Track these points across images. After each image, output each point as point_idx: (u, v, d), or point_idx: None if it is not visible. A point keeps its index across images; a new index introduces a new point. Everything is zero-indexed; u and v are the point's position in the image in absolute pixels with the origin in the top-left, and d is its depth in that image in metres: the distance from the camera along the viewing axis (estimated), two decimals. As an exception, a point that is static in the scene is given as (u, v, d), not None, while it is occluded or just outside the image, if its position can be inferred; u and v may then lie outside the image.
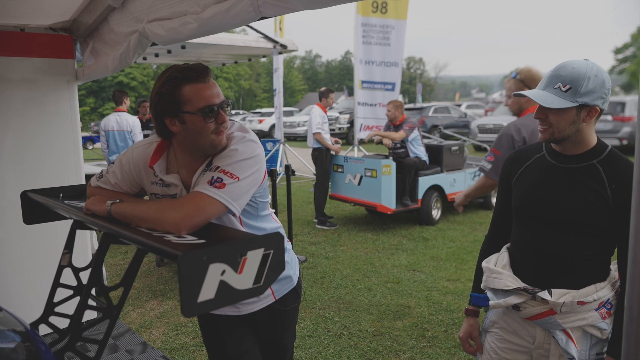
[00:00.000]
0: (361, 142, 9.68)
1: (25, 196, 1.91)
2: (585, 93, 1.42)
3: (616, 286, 1.54)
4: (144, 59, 6.96)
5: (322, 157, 6.50)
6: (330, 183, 6.76)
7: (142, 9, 2.60)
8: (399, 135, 6.09)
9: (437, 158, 6.70)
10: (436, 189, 6.56)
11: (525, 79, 2.78)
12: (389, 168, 5.99)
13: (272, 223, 1.76)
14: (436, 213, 6.61)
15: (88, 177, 3.71)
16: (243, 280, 1.15)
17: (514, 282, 1.59)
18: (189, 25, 2.23)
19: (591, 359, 1.53)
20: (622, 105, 13.21)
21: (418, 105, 20.18)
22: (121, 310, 1.48)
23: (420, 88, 33.50)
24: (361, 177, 6.26)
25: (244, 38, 6.03)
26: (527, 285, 1.56)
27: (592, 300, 1.48)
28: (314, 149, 6.52)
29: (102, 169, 1.70)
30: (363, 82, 9.09)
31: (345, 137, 17.53)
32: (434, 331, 3.44)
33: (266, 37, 6.15)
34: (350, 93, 34.53)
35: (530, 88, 2.74)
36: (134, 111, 7.89)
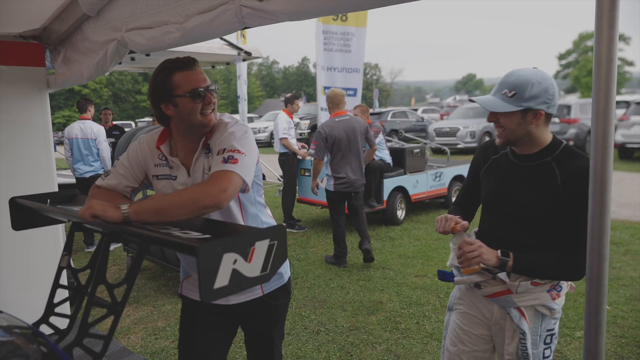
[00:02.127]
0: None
1: (13, 202, 1.93)
2: (529, 98, 1.60)
3: None
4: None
5: (289, 162, 6.61)
6: (297, 187, 6.88)
7: (119, 18, 2.64)
8: (364, 139, 6.29)
9: (400, 160, 6.95)
10: (400, 190, 6.80)
11: (327, 98, 5.01)
12: (355, 171, 6.15)
13: (267, 218, 1.88)
14: (401, 213, 6.85)
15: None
16: (252, 268, 1.26)
17: None
18: (171, 35, 2.29)
19: (542, 334, 1.75)
20: (568, 108, 14.00)
21: (377, 110, 20.58)
22: (124, 306, 1.56)
23: (377, 93, 34.02)
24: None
25: (209, 45, 6.03)
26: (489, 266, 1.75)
27: (544, 283, 1.69)
28: (281, 154, 6.63)
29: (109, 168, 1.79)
30: (325, 88, 9.26)
31: (307, 142, 17.70)
32: (406, 324, 3.62)
33: (230, 44, 6.19)
34: (308, 99, 34.72)
35: (331, 104, 5.05)
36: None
